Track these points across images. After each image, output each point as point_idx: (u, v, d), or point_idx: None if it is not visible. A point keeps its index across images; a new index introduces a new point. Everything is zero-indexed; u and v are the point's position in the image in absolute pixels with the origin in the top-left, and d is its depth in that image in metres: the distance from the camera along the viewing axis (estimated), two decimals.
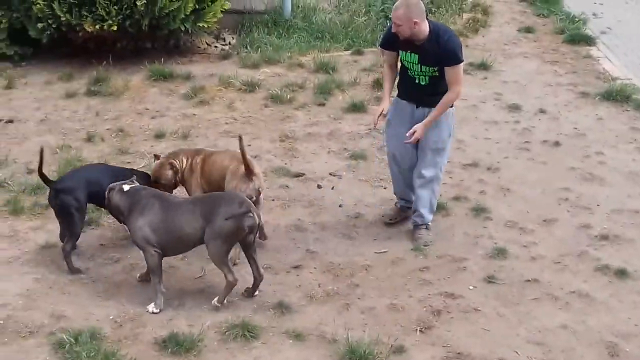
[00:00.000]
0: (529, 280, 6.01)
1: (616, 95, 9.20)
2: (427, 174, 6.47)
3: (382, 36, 7.03)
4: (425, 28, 6.17)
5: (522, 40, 10.38)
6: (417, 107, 6.44)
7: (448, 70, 6.20)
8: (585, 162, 7.85)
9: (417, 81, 6.41)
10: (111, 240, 6.39)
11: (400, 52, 6.40)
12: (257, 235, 5.69)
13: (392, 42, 6.40)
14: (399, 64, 6.52)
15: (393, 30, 6.24)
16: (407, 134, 6.27)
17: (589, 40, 11.18)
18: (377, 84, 9.36)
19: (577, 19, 11.96)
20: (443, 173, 6.68)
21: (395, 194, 6.90)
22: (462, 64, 6.25)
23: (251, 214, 5.42)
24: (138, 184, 5.76)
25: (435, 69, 6.26)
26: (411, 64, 6.34)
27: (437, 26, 6.33)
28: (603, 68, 10.26)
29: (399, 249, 6.39)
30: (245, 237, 5.47)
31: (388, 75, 6.61)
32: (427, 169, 6.46)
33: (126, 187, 5.64)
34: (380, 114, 6.46)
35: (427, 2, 12.33)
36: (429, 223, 6.62)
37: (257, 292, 5.73)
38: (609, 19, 12.42)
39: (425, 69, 6.29)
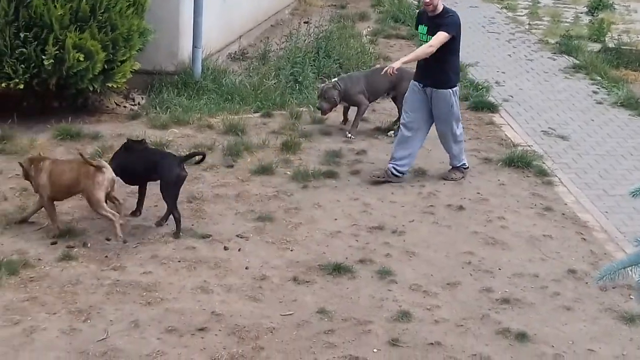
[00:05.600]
0: (432, 344, 6.09)
1: (517, 162, 9.46)
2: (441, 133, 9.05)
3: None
4: (440, 6, 8.60)
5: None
6: (424, 87, 8.75)
7: (437, 33, 8.46)
8: (487, 227, 8.03)
9: None
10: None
11: (419, 26, 8.82)
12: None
13: (418, 21, 8.94)
14: None
15: (423, 8, 8.81)
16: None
17: (492, 108, 11.51)
18: (286, 147, 9.46)
19: (480, 87, 12.31)
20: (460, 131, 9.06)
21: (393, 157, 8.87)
22: (447, 35, 8.46)
23: None
24: None
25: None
26: (422, 35, 8.73)
27: (448, 9, 8.71)
28: (505, 135, 10.56)
29: (305, 311, 6.41)
30: None
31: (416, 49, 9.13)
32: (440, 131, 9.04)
33: None
34: (392, 69, 8.66)
35: (336, 66, 12.57)
36: (458, 165, 9.08)
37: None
38: (511, 87, 12.82)
39: (429, 39, 8.52)
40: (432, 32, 8.55)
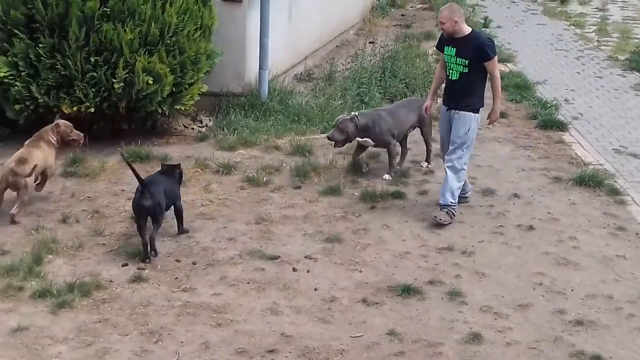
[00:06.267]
0: None
1: (588, 181, 9.30)
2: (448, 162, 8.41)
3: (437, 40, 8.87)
4: (465, 27, 8.27)
5: (496, 125, 10.53)
6: (448, 110, 8.46)
7: (488, 65, 8.23)
8: (559, 247, 7.91)
9: (450, 77, 8.38)
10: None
11: (444, 47, 8.36)
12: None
13: (442, 42, 8.48)
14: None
15: (440, 28, 8.40)
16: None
17: (561, 126, 11.34)
18: (353, 168, 9.44)
19: (549, 105, 12.16)
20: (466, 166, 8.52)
21: None
22: (495, 57, 8.31)
23: None
24: None
25: (466, 62, 8.18)
26: (449, 57, 8.30)
27: (477, 31, 8.76)
28: (575, 153, 10.39)
29: (374, 333, 6.37)
30: None
31: (437, 74, 8.84)
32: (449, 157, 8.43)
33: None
34: (426, 109, 8.91)
35: (402, 86, 12.55)
36: (450, 205, 8.25)
37: None
38: (580, 104, 12.64)
39: (459, 61, 8.21)
40: (462, 54, 8.20)
